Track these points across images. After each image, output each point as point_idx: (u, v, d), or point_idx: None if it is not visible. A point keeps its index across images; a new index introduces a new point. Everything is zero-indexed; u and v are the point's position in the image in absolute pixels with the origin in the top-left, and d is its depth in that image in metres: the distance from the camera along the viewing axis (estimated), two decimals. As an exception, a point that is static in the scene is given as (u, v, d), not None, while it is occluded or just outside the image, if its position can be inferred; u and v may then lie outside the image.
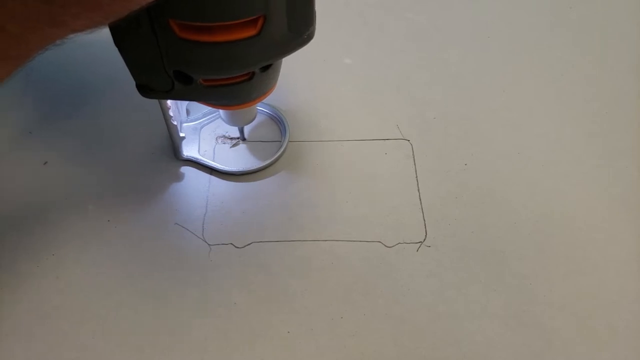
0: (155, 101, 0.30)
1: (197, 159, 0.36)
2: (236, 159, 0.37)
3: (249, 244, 0.33)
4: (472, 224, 0.34)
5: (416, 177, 0.36)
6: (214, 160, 0.36)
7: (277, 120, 0.39)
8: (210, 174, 0.36)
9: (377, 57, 0.43)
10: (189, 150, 0.37)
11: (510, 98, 0.40)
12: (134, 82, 0.27)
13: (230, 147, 0.37)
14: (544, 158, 0.37)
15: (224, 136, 0.38)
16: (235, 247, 0.33)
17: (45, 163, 0.36)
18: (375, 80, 0.42)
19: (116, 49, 0.25)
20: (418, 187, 0.36)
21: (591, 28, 0.45)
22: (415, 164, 0.37)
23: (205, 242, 0.33)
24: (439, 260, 0.33)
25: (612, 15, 0.46)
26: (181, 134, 0.35)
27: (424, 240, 0.33)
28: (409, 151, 0.37)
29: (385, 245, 0.33)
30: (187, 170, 0.36)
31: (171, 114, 0.32)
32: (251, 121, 0.36)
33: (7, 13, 0.16)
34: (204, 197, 0.35)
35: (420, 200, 0.35)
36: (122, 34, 0.24)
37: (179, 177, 0.36)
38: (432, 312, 0.31)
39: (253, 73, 0.27)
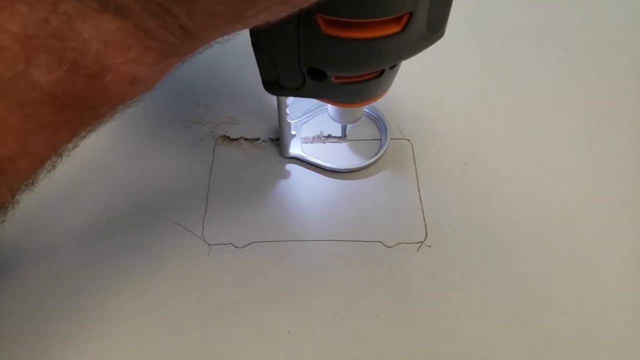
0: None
1: (302, 156, 0.36)
2: (336, 156, 0.37)
3: (249, 244, 0.33)
4: (472, 224, 0.34)
5: (416, 177, 0.36)
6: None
7: (376, 119, 0.39)
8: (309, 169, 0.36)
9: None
10: (293, 147, 0.36)
11: (510, 98, 0.40)
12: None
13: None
14: (544, 158, 0.37)
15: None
16: (235, 247, 0.33)
17: (45, 163, 0.36)
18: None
19: None
20: (418, 187, 0.36)
21: (591, 28, 0.45)
22: (415, 164, 0.37)
23: (205, 242, 0.33)
24: (439, 260, 0.33)
25: (612, 15, 0.46)
26: (292, 132, 0.35)
27: (424, 240, 0.33)
28: (409, 151, 0.37)
29: (385, 245, 0.33)
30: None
31: (287, 111, 0.32)
32: (358, 119, 0.35)
33: (190, 12, 0.15)
34: (204, 196, 0.35)
35: (420, 200, 0.35)
36: (263, 30, 0.23)
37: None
38: (432, 312, 0.31)
39: (383, 70, 0.27)
